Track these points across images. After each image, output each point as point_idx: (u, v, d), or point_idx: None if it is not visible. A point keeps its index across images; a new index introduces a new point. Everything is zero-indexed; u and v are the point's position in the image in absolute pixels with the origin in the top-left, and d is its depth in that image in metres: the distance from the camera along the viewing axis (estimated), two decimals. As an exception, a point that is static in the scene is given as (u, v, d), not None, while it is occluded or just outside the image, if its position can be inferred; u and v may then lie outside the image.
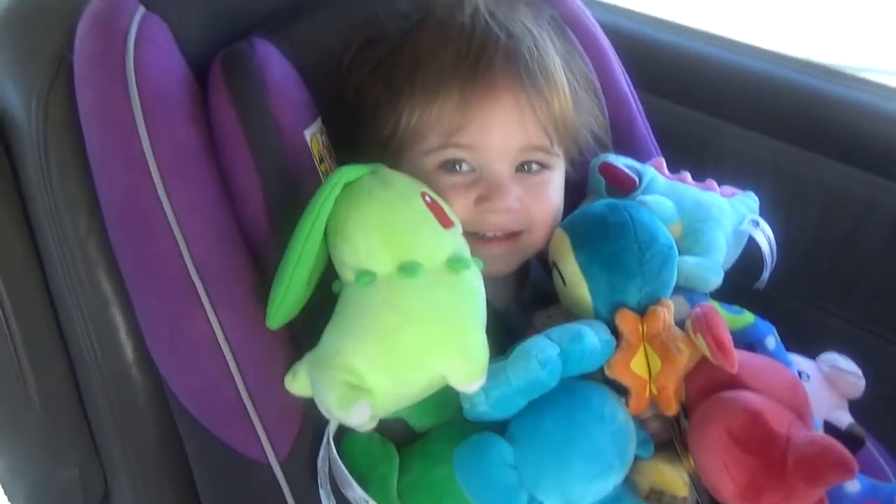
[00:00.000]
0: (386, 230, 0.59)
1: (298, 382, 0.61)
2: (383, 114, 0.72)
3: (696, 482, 0.65)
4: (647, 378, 0.62)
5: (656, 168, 0.81)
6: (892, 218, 1.04)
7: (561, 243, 0.67)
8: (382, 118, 0.72)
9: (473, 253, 0.72)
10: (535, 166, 0.73)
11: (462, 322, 0.59)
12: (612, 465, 0.60)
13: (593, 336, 0.61)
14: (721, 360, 0.59)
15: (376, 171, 0.63)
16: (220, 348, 0.62)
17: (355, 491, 0.60)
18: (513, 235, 0.72)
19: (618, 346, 0.62)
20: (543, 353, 0.58)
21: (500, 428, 0.61)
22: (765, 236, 0.76)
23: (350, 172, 0.61)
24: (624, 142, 0.89)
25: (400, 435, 0.64)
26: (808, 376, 0.73)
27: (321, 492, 0.61)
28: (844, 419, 0.71)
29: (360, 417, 0.56)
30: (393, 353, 0.57)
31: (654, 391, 0.63)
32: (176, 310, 0.63)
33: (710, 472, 0.58)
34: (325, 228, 0.60)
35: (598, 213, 0.66)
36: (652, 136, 0.95)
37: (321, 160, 0.71)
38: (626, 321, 0.62)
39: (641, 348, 0.62)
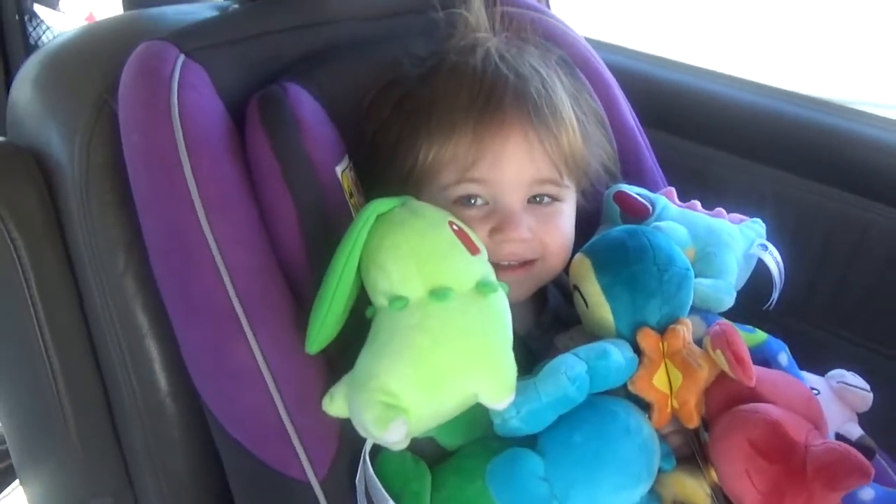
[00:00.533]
0: (417, 257, 0.63)
1: (336, 405, 0.64)
2: (403, 151, 0.76)
3: (718, 493, 0.67)
4: (668, 393, 0.65)
5: (667, 197, 0.85)
6: (890, 241, 1.08)
7: (583, 266, 0.70)
8: (402, 155, 0.76)
9: None
10: (546, 198, 0.76)
11: (491, 342, 0.62)
12: (639, 475, 0.63)
13: (618, 353, 0.64)
14: (740, 374, 0.62)
15: (406, 202, 0.67)
16: (262, 373, 0.65)
17: None
18: (527, 264, 0.76)
19: (640, 363, 0.65)
20: (573, 370, 0.62)
21: (530, 444, 0.64)
22: (773, 259, 0.80)
23: (382, 205, 0.65)
24: (632, 173, 0.93)
25: (431, 453, 0.67)
26: (818, 392, 0.76)
27: None
28: (855, 431, 0.73)
29: (397, 435, 0.59)
30: (426, 374, 0.60)
31: (676, 405, 0.65)
32: (218, 338, 0.65)
33: (732, 481, 0.61)
34: (360, 257, 0.64)
35: (617, 238, 0.70)
36: (658, 168, 0.99)
37: (351, 195, 0.74)
38: (648, 339, 0.66)
39: (663, 365, 0.65)
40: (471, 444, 0.68)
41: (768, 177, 1.15)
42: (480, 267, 0.65)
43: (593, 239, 0.73)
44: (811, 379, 0.78)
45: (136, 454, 0.77)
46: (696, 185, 0.96)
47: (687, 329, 0.66)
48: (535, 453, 0.62)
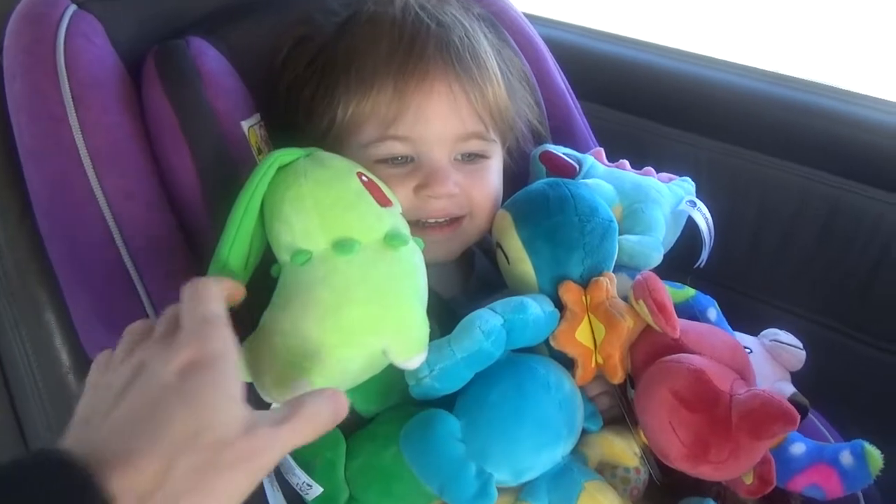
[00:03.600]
0: (320, 208, 0.59)
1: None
2: (319, 108, 0.72)
3: (648, 454, 0.65)
4: (592, 347, 0.63)
5: (596, 157, 0.83)
6: (827, 208, 1.07)
7: (504, 221, 0.67)
8: (319, 112, 0.72)
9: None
10: (472, 154, 0.73)
11: (400, 298, 0.59)
12: (559, 434, 0.60)
13: (537, 307, 0.61)
14: (662, 324, 0.60)
15: (312, 153, 0.63)
16: None
17: (298, 476, 0.58)
18: (454, 221, 0.73)
19: (562, 317, 0.63)
20: (487, 324, 0.58)
21: (448, 406, 0.60)
22: (702, 216, 0.78)
23: (286, 155, 0.61)
24: (563, 137, 0.91)
25: (347, 421, 0.63)
26: (750, 350, 0.74)
27: (265, 480, 0.59)
28: (788, 389, 0.71)
29: None
30: (331, 331, 0.56)
31: (600, 360, 0.63)
32: (110, 299, 0.61)
33: (656, 434, 0.58)
34: (262, 212, 0.60)
35: (538, 190, 0.67)
36: (591, 133, 0.97)
37: (259, 151, 0.70)
38: (570, 292, 0.63)
39: (586, 318, 0.63)
40: (388, 410, 0.65)
41: (704, 146, 1.14)
42: (391, 219, 0.62)
43: (515, 194, 0.70)
44: (744, 338, 0.76)
45: (36, 433, 0.73)
46: (633, 156, 0.94)
47: (610, 282, 0.64)
48: (450, 414, 0.59)
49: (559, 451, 0.60)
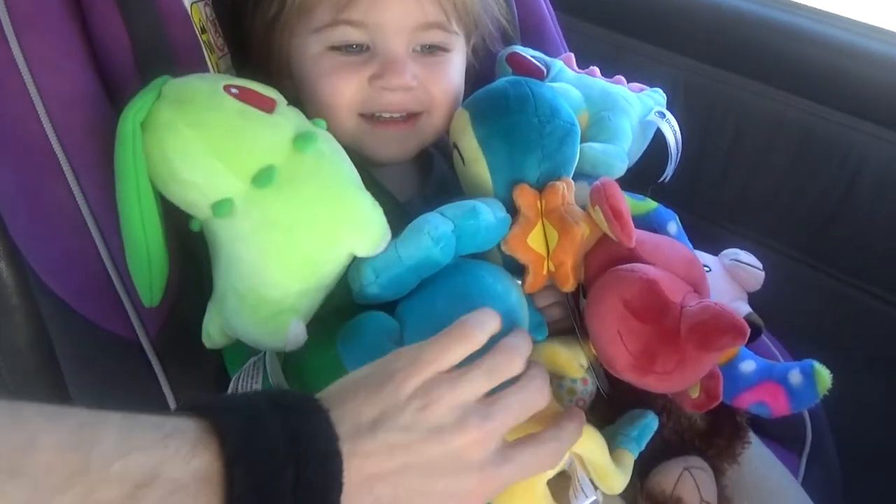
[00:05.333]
0: (215, 150, 0.51)
1: (216, 338, 0.58)
2: None
3: (596, 366, 0.63)
4: (544, 254, 0.60)
5: (565, 62, 0.79)
6: (800, 136, 1.05)
7: (461, 119, 0.63)
8: None
9: (368, 135, 0.68)
10: (433, 48, 0.69)
11: (344, 198, 0.55)
12: None
13: (489, 212, 0.58)
14: (618, 232, 0.57)
15: (163, 91, 0.53)
16: (82, 216, 0.57)
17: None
18: (411, 118, 0.69)
19: (515, 222, 0.60)
20: (437, 230, 0.55)
21: (391, 310, 0.58)
22: (671, 128, 0.74)
23: (137, 111, 0.51)
24: (534, 41, 0.86)
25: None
26: (709, 269, 0.72)
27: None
28: (744, 308, 0.70)
29: (298, 336, 0.55)
30: (296, 266, 0.54)
31: (552, 268, 0.60)
32: (33, 176, 0.57)
33: (604, 343, 0.56)
34: (152, 182, 0.53)
35: (498, 87, 0.63)
36: (563, 39, 0.93)
37: (203, 31, 0.65)
38: (524, 195, 0.60)
39: (539, 224, 0.60)
40: (330, 313, 0.62)
41: (682, 66, 1.10)
42: (286, 121, 0.55)
43: (475, 92, 0.66)
44: (703, 256, 0.74)
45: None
46: (609, 72, 0.91)
47: (568, 188, 0.61)
48: (389, 317, 0.56)
49: None
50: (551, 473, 0.56)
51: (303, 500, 0.37)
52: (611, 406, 0.64)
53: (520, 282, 0.61)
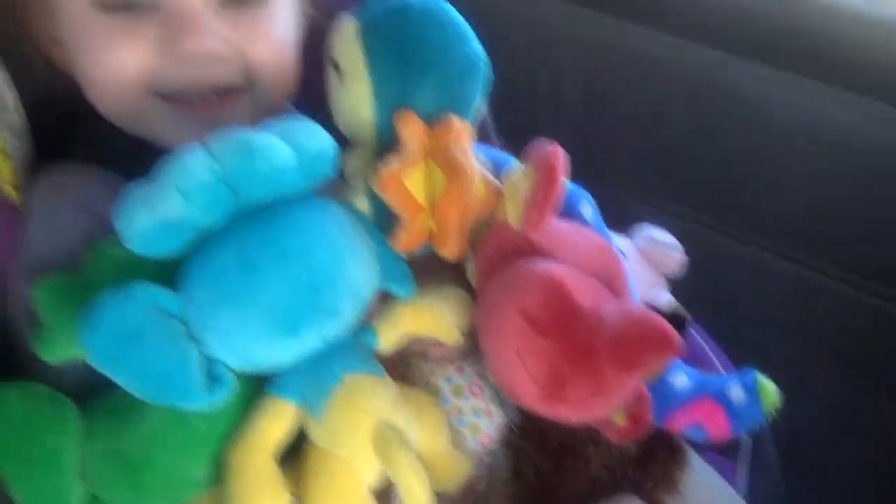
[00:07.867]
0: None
1: None
2: None
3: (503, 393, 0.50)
4: (424, 204, 0.46)
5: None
6: (705, 86, 0.94)
7: (346, 27, 0.49)
8: None
9: (173, 123, 0.52)
10: None
11: None
12: (303, 319, 0.42)
13: (284, 150, 0.41)
14: (530, 212, 0.44)
15: None
16: None
17: None
18: (229, 97, 0.53)
19: (393, 155, 0.46)
20: (190, 181, 0.39)
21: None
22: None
23: None
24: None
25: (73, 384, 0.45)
26: (624, 256, 0.60)
27: None
28: (664, 297, 0.59)
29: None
30: None
31: (432, 224, 0.46)
32: None
33: (502, 368, 0.44)
34: None
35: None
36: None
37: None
38: (410, 125, 0.46)
39: (423, 165, 0.46)
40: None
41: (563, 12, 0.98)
42: None
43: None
44: (615, 240, 0.62)
45: None
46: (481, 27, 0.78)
47: (465, 131, 0.47)
48: (161, 288, 0.41)
49: (309, 340, 0.43)
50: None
51: None
52: (527, 443, 0.50)
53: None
